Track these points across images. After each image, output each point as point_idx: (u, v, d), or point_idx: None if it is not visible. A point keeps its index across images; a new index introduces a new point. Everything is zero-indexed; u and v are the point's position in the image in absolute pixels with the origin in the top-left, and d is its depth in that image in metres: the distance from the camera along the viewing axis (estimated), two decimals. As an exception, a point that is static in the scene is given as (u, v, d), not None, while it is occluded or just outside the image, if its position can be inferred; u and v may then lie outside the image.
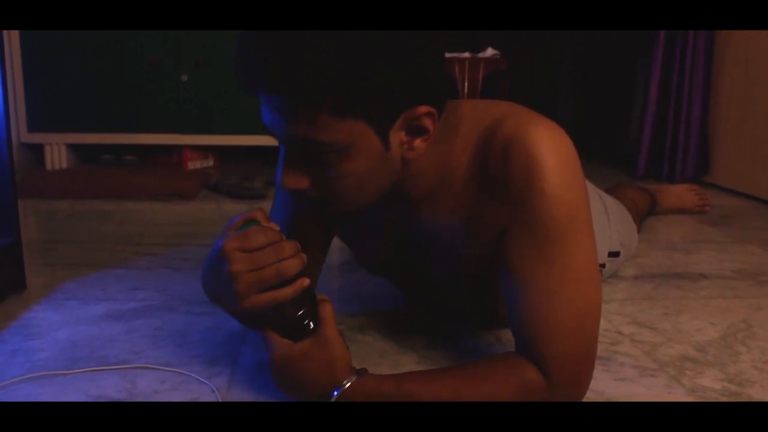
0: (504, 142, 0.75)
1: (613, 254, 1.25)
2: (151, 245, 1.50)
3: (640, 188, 1.91)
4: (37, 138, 2.28)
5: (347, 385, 0.74)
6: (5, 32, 2.15)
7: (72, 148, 2.36)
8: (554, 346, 0.74)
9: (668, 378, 0.94)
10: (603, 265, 1.21)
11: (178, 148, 2.42)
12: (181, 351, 0.97)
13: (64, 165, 2.32)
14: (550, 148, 0.74)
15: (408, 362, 0.96)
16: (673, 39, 2.44)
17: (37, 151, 2.33)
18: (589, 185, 1.10)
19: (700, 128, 2.47)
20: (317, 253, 0.99)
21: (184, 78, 2.29)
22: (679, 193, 2.00)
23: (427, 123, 0.72)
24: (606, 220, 1.23)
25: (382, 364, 0.95)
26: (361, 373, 0.76)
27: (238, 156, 2.61)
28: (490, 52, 2.67)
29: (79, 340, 0.99)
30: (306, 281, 0.74)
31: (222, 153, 2.56)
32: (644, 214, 1.82)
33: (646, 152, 2.54)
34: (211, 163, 2.52)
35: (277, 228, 0.75)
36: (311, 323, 0.77)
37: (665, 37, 2.44)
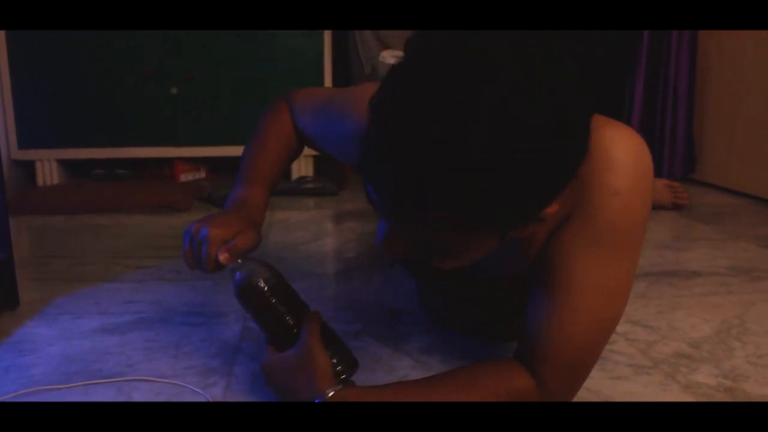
0: None
1: None
2: (144, 258, 1.50)
3: None
4: (28, 155, 2.27)
5: (329, 395, 0.72)
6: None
7: (63, 163, 2.35)
8: (560, 351, 0.73)
9: (663, 375, 0.94)
10: None
11: (170, 161, 2.41)
12: (176, 362, 0.97)
13: (56, 181, 2.31)
14: (632, 152, 0.70)
15: (403, 368, 0.96)
16: (658, 39, 2.45)
17: (29, 167, 2.32)
18: None
19: (686, 127, 2.49)
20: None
21: (174, 91, 2.29)
22: (657, 188, 2.01)
23: (548, 216, 0.65)
24: None
25: (378, 370, 0.94)
26: (347, 384, 0.75)
27: (230, 167, 2.60)
28: None
29: (73, 355, 0.99)
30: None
31: (214, 164, 2.56)
32: None
33: None
34: (203, 174, 2.52)
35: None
36: (289, 333, 0.78)
37: (649, 38, 2.45)
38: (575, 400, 0.79)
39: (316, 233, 1.75)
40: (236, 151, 2.33)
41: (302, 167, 2.38)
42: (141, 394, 0.87)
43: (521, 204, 0.58)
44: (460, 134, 0.53)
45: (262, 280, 0.79)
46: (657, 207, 1.99)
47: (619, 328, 1.10)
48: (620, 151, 0.70)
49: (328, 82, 2.32)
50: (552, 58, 0.57)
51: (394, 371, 0.94)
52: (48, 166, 2.30)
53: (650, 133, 2.53)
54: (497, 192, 0.55)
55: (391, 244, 0.66)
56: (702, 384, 0.91)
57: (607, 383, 0.92)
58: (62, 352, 1.00)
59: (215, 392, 0.88)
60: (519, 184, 0.55)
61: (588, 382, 0.79)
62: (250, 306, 0.80)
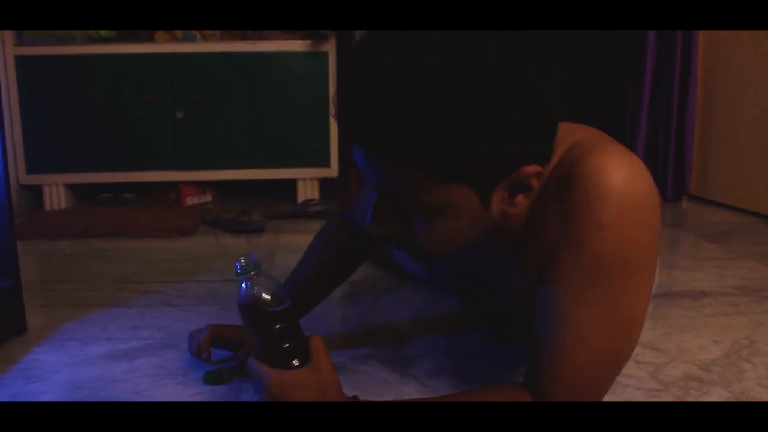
0: (570, 167, 0.70)
1: None
2: (150, 283, 1.50)
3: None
4: (36, 179, 2.29)
5: None
6: (3, 76, 2.17)
7: (70, 188, 2.36)
8: (562, 388, 0.71)
9: (673, 398, 0.93)
10: None
11: (176, 185, 2.43)
12: (184, 389, 0.96)
13: (63, 205, 2.32)
14: (619, 180, 0.68)
15: (411, 392, 0.95)
16: (662, 43, 2.44)
17: (36, 192, 2.34)
18: None
19: (677, 146, 2.48)
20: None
21: (180, 115, 2.30)
22: None
23: (533, 182, 0.67)
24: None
25: (385, 395, 0.94)
26: (355, 399, 0.76)
27: (236, 190, 2.61)
28: None
29: (80, 382, 0.99)
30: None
31: (220, 188, 2.57)
32: None
33: None
34: (209, 198, 2.53)
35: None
36: (298, 357, 0.77)
37: (654, 48, 2.44)
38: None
39: (322, 256, 1.75)
40: (242, 174, 2.37)
41: (308, 190, 2.38)
42: (148, 421, 0.87)
43: (476, 150, 0.62)
44: (411, 79, 0.60)
45: (266, 295, 0.77)
46: None
47: (628, 351, 1.09)
48: (609, 179, 0.68)
49: (333, 102, 2.34)
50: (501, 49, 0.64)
51: (402, 396, 0.94)
52: (55, 191, 2.31)
53: (654, 148, 2.51)
54: (448, 130, 0.61)
55: (378, 218, 0.70)
56: (713, 407, 0.91)
57: (617, 407, 0.91)
58: (69, 378, 1.00)
59: (222, 419, 0.87)
60: (468, 127, 0.61)
61: (597, 407, 0.79)
62: (248, 320, 0.78)
